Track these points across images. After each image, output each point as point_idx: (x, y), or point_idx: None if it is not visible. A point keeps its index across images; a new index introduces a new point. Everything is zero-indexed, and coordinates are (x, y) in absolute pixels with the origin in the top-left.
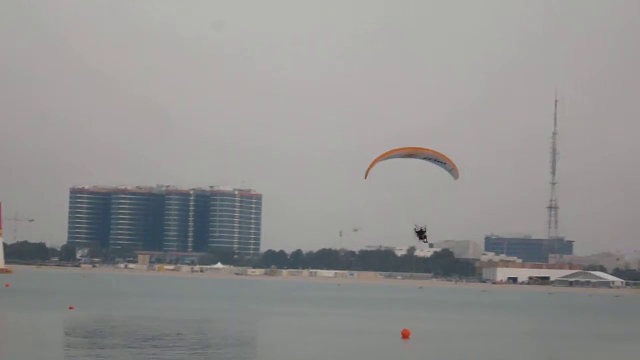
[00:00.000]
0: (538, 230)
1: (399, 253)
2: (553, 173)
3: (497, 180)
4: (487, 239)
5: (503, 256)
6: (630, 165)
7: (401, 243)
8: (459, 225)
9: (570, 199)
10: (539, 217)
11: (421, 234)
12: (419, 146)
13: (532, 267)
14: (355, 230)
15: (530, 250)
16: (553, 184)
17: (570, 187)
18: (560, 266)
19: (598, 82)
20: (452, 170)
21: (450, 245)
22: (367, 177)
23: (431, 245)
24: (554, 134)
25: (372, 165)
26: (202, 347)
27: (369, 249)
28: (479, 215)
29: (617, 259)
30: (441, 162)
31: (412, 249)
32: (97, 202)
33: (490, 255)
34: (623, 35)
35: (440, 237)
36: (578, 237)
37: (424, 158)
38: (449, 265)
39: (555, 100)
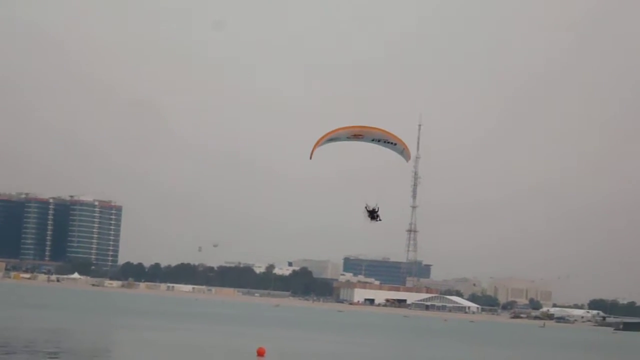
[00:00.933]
0: (397, 253)
1: (257, 270)
2: (414, 197)
3: (356, 202)
4: (346, 259)
5: (361, 277)
6: (489, 191)
7: (260, 260)
8: (318, 245)
9: (430, 223)
10: (398, 240)
11: (373, 214)
12: (366, 125)
13: (390, 289)
14: (215, 245)
15: (388, 272)
16: (413, 207)
17: (430, 211)
18: (418, 290)
19: (459, 108)
20: (403, 151)
21: (309, 264)
22: (312, 157)
23: (290, 264)
24: (417, 158)
25: (316, 145)
26: (51, 358)
27: (227, 265)
28: (338, 235)
29: (474, 285)
30: (391, 143)
31: (270, 267)
32: None
33: (349, 276)
34: (483, 63)
35: (298, 256)
36: (436, 261)
37: (372, 140)
38: (307, 284)
39: (419, 125)
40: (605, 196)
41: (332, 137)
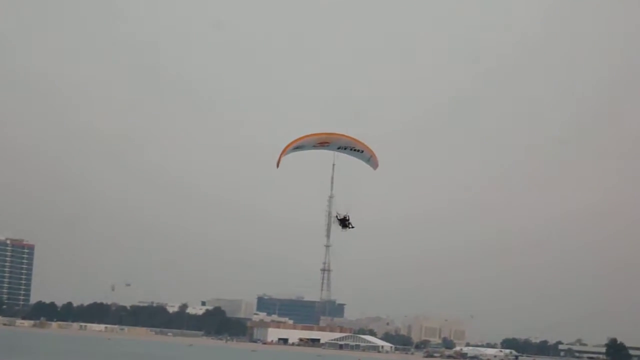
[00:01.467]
0: (310, 292)
1: (170, 310)
2: (328, 236)
3: (271, 242)
4: (260, 299)
5: (275, 317)
6: (403, 229)
7: (173, 300)
8: (231, 284)
9: (344, 262)
10: (312, 279)
11: (344, 222)
12: (333, 132)
13: (303, 328)
14: (128, 285)
15: (302, 311)
16: (327, 246)
17: (344, 251)
18: (331, 329)
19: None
20: (370, 158)
21: (222, 303)
22: (279, 165)
23: (203, 303)
24: (330, 197)
25: (282, 153)
26: None
27: (140, 304)
28: (252, 275)
29: (387, 323)
30: (358, 151)
31: (184, 306)
32: None
33: (262, 315)
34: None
35: (212, 295)
36: (350, 300)
37: (339, 148)
38: (221, 323)
39: (333, 164)
40: (521, 231)
41: (298, 145)
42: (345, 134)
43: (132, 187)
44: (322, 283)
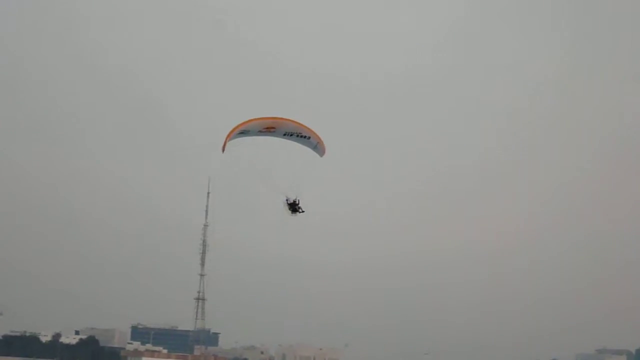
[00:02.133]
0: (185, 321)
1: (43, 339)
2: (202, 264)
3: (145, 270)
4: (134, 327)
5: (149, 346)
6: (279, 258)
7: (46, 329)
8: (104, 313)
9: (218, 291)
10: (186, 308)
11: (294, 206)
12: (279, 116)
13: (178, 357)
14: (0, 314)
15: (176, 340)
16: (202, 275)
17: (219, 279)
18: (205, 357)
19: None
20: (317, 145)
21: (95, 332)
22: (225, 150)
23: (77, 332)
24: (205, 225)
25: (227, 138)
26: None
27: (12, 334)
28: (125, 303)
29: (262, 352)
30: (304, 137)
31: (57, 335)
32: None
33: (136, 344)
34: None
35: (85, 324)
36: (224, 329)
37: (284, 134)
38: (94, 353)
39: (208, 193)
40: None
41: (243, 130)
42: (293, 119)
43: None
44: (197, 312)
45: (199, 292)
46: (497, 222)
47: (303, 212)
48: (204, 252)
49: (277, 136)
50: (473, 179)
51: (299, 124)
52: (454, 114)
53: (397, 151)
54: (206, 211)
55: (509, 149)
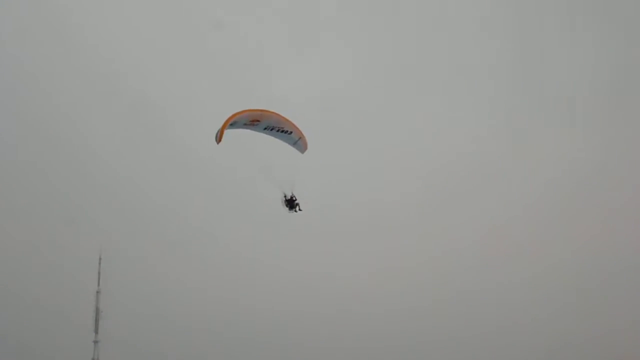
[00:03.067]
0: None
1: None
2: (96, 331)
3: (35, 335)
4: None
5: None
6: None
7: None
8: None
9: (113, 357)
10: None
11: (292, 203)
12: (265, 109)
13: None
14: None
15: None
16: (95, 342)
17: (113, 344)
18: None
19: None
20: (299, 140)
21: None
22: (220, 141)
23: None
24: (97, 292)
25: (223, 129)
26: None
27: None
28: None
29: None
30: (286, 132)
31: None
32: None
33: None
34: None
35: None
36: None
37: (266, 128)
38: None
39: (100, 258)
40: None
41: (233, 122)
42: (278, 113)
43: None
44: None
45: (93, 358)
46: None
47: (301, 210)
48: (97, 319)
49: (258, 130)
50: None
51: (283, 117)
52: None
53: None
54: (98, 276)
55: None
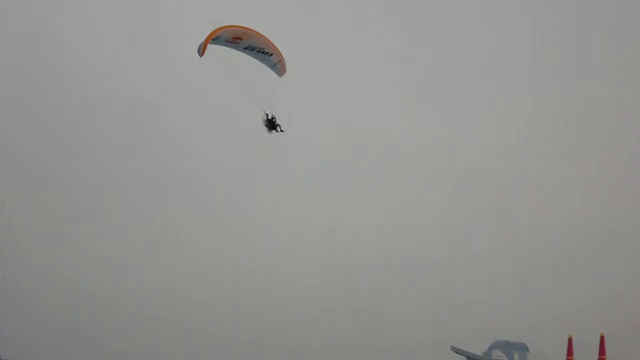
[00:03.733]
0: None
1: None
2: None
3: None
4: None
5: None
6: None
7: None
8: None
9: None
10: None
11: (272, 123)
12: (250, 27)
13: None
14: None
15: None
16: None
17: None
18: None
19: None
20: (278, 64)
21: None
22: (204, 55)
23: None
24: None
25: (207, 40)
26: None
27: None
28: None
29: None
30: (266, 54)
31: None
32: None
33: None
34: None
35: None
36: None
37: (246, 48)
38: None
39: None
40: None
41: (215, 36)
42: (261, 33)
43: None
44: None
45: None
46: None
47: (283, 131)
48: None
49: (238, 49)
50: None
51: (266, 38)
52: None
53: None
54: None
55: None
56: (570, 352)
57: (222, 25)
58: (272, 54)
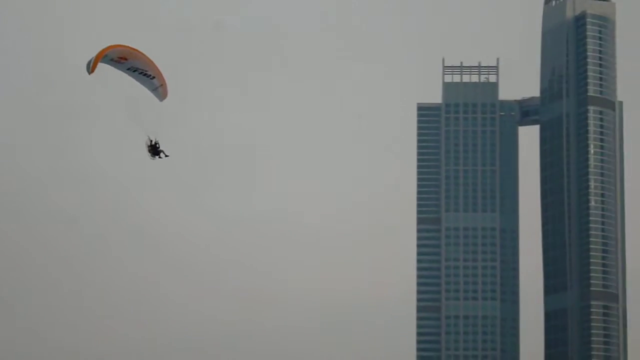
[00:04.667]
0: None
1: None
2: None
3: None
4: None
5: None
6: None
7: None
8: None
9: None
10: None
11: (155, 149)
12: (137, 49)
13: None
14: None
15: None
16: None
17: None
18: None
19: None
20: (160, 87)
21: None
22: (93, 72)
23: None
24: None
25: (96, 61)
26: None
27: None
28: None
29: None
30: (148, 76)
31: None
32: None
33: None
34: None
35: None
36: None
37: (129, 68)
38: None
39: None
40: None
41: (105, 54)
42: (146, 56)
43: None
44: None
45: None
46: None
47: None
48: None
49: (122, 69)
50: None
51: (150, 62)
52: None
53: None
54: None
55: None
56: None
57: (112, 44)
58: (154, 77)
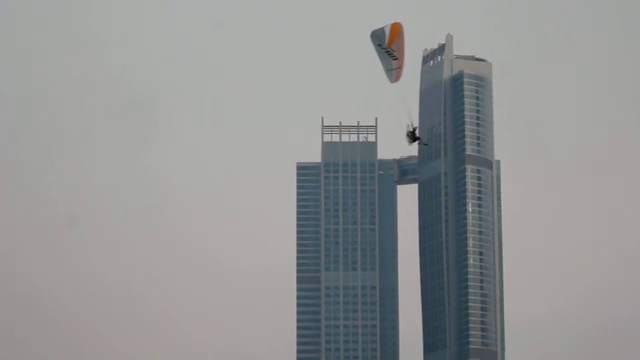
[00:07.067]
0: None
1: None
2: None
3: None
4: None
5: None
6: None
7: None
8: None
9: None
10: None
11: (414, 135)
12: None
13: None
14: None
15: None
16: None
17: None
18: None
19: None
20: (397, 69)
21: None
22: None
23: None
24: None
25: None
26: None
27: None
28: None
29: None
30: (391, 56)
31: None
32: None
33: None
34: None
35: None
36: None
37: (383, 47)
38: None
39: None
40: None
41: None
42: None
43: None
44: None
45: None
46: None
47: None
48: None
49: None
50: None
51: (403, 44)
52: None
53: None
54: None
55: None
56: None
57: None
58: (397, 59)
